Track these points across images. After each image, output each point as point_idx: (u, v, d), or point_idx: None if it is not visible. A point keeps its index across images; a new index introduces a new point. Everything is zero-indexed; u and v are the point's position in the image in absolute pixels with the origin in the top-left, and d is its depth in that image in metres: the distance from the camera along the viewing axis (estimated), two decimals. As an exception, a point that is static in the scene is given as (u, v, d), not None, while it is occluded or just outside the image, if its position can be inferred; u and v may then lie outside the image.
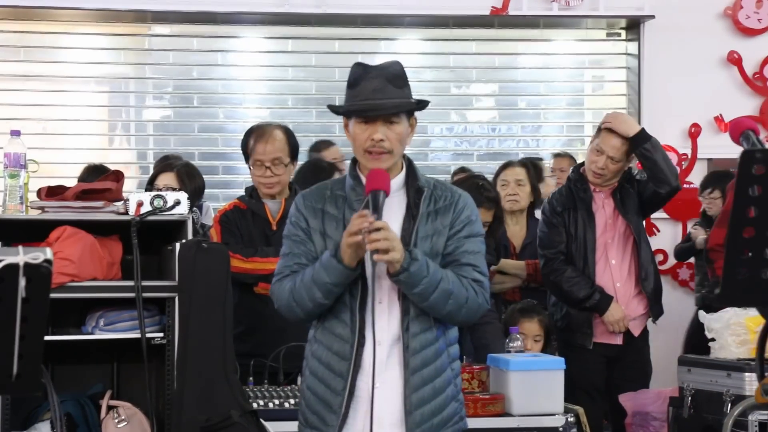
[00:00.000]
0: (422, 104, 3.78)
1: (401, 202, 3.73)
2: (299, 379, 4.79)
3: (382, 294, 3.66)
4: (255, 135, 5.35)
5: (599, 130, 6.01)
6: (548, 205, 6.03)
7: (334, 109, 3.79)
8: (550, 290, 6.07)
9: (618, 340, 5.94)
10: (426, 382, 3.67)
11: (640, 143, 5.85)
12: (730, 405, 5.05)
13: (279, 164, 5.26)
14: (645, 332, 6.06)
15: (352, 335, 3.63)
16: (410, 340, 3.66)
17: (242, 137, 5.45)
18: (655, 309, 6.00)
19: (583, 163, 6.11)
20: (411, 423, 3.64)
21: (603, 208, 5.97)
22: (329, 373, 3.67)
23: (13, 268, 2.86)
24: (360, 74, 3.72)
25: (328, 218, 3.72)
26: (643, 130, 5.91)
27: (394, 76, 3.71)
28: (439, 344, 3.72)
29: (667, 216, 8.53)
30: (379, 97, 3.65)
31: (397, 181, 3.74)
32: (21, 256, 2.88)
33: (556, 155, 8.37)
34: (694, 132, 8.82)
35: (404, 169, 3.77)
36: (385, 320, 3.65)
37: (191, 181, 5.61)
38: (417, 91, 9.60)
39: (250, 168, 5.36)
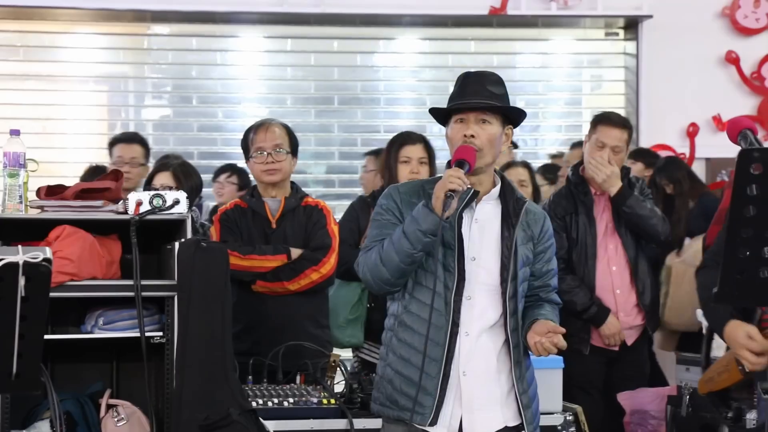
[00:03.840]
0: (516, 112, 4.02)
1: (497, 211, 3.98)
2: (298, 377, 4.82)
3: (471, 291, 3.90)
4: (255, 128, 5.40)
5: (593, 125, 5.98)
6: (549, 208, 5.94)
7: (435, 114, 4.06)
8: None
9: (615, 347, 5.92)
10: (533, 379, 4.02)
11: (621, 203, 5.82)
12: (728, 403, 5.05)
13: (281, 151, 5.28)
14: (644, 332, 6.03)
15: (446, 323, 3.86)
16: (519, 339, 3.93)
17: (242, 137, 5.46)
18: (651, 323, 5.98)
19: (580, 164, 6.06)
20: (528, 417, 3.93)
21: (603, 212, 5.94)
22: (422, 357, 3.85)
23: (12, 267, 2.87)
24: (461, 81, 3.99)
25: None
26: (623, 188, 5.83)
27: (491, 81, 3.97)
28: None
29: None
30: (474, 98, 3.92)
31: (494, 192, 3.99)
32: (20, 255, 2.89)
33: (554, 156, 8.36)
34: (692, 131, 8.83)
35: (499, 183, 4.01)
36: (474, 315, 3.90)
37: (187, 179, 5.62)
38: (416, 91, 9.66)
39: (250, 162, 5.37)
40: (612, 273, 5.88)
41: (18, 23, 8.57)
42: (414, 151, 5.61)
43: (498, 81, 3.98)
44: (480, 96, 3.91)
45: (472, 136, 3.89)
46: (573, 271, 5.84)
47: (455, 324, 3.86)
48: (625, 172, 5.99)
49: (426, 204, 3.78)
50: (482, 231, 3.93)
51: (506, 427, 3.92)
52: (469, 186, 3.81)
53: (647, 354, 6.21)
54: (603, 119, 6.00)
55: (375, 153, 7.43)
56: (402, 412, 3.89)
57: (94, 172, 6.45)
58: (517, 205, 3.97)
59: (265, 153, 5.28)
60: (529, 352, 3.96)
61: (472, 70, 4.05)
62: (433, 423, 3.84)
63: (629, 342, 5.92)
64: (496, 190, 3.99)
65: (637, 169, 7.37)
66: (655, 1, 8.77)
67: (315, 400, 4.56)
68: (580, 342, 5.84)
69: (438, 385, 3.84)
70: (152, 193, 4.35)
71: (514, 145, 7.87)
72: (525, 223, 3.98)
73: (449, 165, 3.95)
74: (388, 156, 5.69)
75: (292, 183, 5.44)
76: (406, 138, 5.70)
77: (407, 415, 3.87)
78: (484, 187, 3.97)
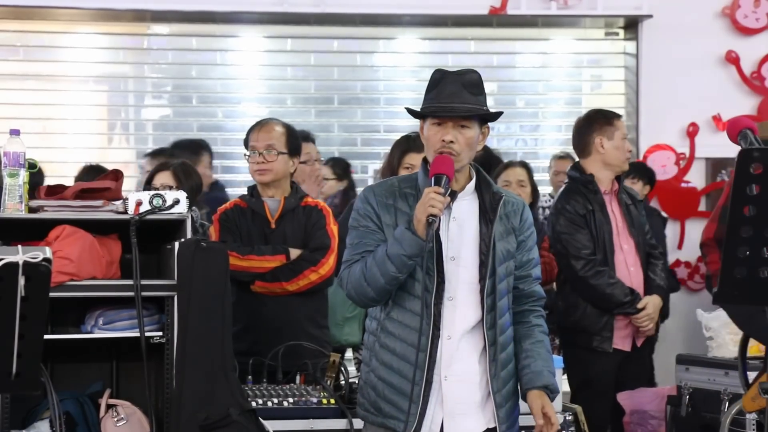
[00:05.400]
0: (495, 115, 3.96)
1: (474, 207, 3.94)
2: (297, 377, 4.82)
3: (453, 291, 3.87)
4: (254, 126, 5.41)
5: (608, 122, 6.01)
6: (567, 206, 5.93)
7: (411, 112, 3.97)
8: (584, 292, 5.91)
9: (628, 347, 5.92)
10: (512, 377, 3.97)
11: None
12: (727, 403, 5.06)
13: (272, 151, 5.28)
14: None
15: (427, 327, 3.83)
16: (497, 336, 3.91)
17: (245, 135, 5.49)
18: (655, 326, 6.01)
19: (578, 163, 6.09)
20: (501, 417, 3.90)
21: (614, 211, 5.98)
22: (405, 364, 3.84)
23: (12, 266, 2.87)
24: (438, 79, 3.90)
25: (400, 214, 3.89)
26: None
27: (470, 83, 3.88)
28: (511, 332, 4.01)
29: (665, 215, 8.54)
30: (454, 101, 3.84)
31: (470, 187, 3.95)
32: (20, 255, 2.89)
33: (558, 157, 8.35)
34: (692, 131, 8.83)
35: (475, 176, 3.97)
36: (456, 316, 3.88)
37: (188, 179, 5.61)
38: (415, 91, 9.67)
39: (248, 161, 5.38)
40: (630, 273, 5.91)
41: (18, 23, 8.56)
42: (418, 160, 5.53)
43: (475, 83, 3.89)
44: (458, 99, 3.84)
45: (451, 141, 3.84)
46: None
47: (437, 327, 3.84)
48: (624, 174, 6.06)
49: (408, 227, 3.74)
50: (461, 229, 3.91)
51: (487, 429, 3.91)
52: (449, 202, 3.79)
53: (651, 352, 6.24)
54: (614, 115, 6.13)
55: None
56: (386, 419, 3.88)
57: (89, 172, 6.44)
58: (494, 200, 3.93)
59: (257, 153, 5.29)
60: (510, 349, 3.96)
61: (449, 69, 3.96)
62: (417, 430, 3.83)
63: (638, 343, 5.94)
64: (472, 184, 3.95)
65: (637, 187, 7.44)
66: (655, 0, 8.77)
67: (315, 399, 4.56)
68: (603, 341, 5.85)
69: (422, 392, 3.82)
70: (152, 192, 4.35)
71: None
72: (503, 216, 3.94)
73: (425, 162, 3.94)
74: (391, 159, 5.68)
75: (293, 183, 5.44)
76: (411, 145, 5.62)
77: (391, 423, 3.86)
78: (460, 185, 3.94)
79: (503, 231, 3.92)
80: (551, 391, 3.91)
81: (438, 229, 3.82)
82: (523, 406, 4.01)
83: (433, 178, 3.77)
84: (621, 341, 5.91)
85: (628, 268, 5.91)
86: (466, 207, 3.93)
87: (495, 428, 3.90)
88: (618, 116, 6.13)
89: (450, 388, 3.86)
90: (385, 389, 3.88)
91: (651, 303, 5.86)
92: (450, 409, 3.86)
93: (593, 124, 6.08)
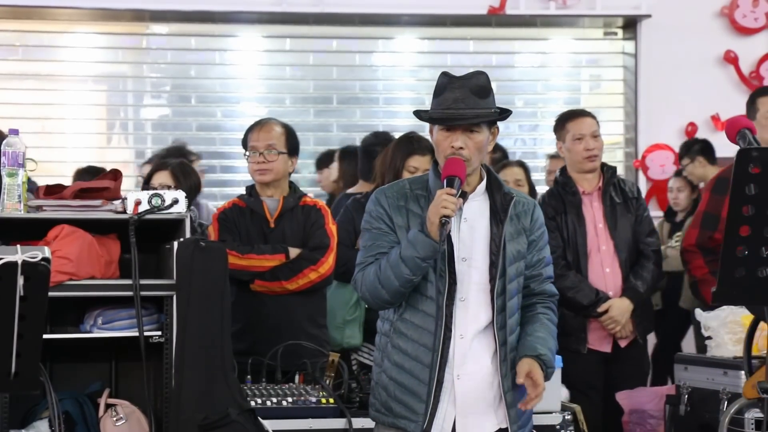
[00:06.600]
0: (504, 114, 3.93)
1: (485, 207, 3.94)
2: (296, 377, 4.83)
3: (465, 292, 3.87)
4: (252, 127, 5.40)
5: (561, 126, 5.97)
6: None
7: (419, 116, 3.96)
8: None
9: (607, 348, 5.89)
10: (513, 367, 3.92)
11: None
12: (726, 403, 5.05)
13: (272, 151, 5.28)
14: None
15: (438, 328, 3.83)
16: (507, 336, 3.90)
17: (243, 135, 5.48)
18: (640, 327, 5.94)
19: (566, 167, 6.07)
20: (513, 416, 3.89)
21: (593, 212, 5.93)
22: (416, 364, 3.85)
23: (11, 266, 2.87)
24: (444, 84, 3.88)
25: (412, 216, 3.89)
26: (634, 300, 5.86)
27: (477, 86, 3.86)
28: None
29: (661, 214, 8.55)
30: (460, 107, 3.82)
31: (481, 187, 3.94)
32: (19, 254, 2.89)
33: (552, 156, 8.36)
34: (691, 131, 8.84)
35: (486, 177, 3.96)
36: (468, 316, 3.88)
37: (186, 179, 5.61)
38: (414, 90, 9.67)
39: (248, 161, 5.38)
40: (605, 275, 5.86)
41: (17, 22, 8.57)
42: (422, 163, 5.41)
43: (482, 86, 3.87)
44: (464, 105, 3.81)
45: (461, 147, 3.83)
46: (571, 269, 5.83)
47: (448, 328, 3.84)
48: (611, 171, 6.00)
49: (422, 229, 3.74)
50: (472, 230, 3.90)
51: (500, 429, 3.90)
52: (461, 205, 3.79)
53: (645, 351, 6.20)
54: (567, 116, 6.03)
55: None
56: (397, 420, 3.88)
57: (83, 174, 6.44)
58: (505, 200, 3.92)
59: (258, 153, 5.29)
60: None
61: (453, 71, 3.91)
62: (427, 430, 3.83)
63: (622, 345, 5.90)
64: (483, 185, 3.95)
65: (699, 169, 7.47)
66: (654, 0, 8.78)
67: (314, 399, 4.56)
68: (578, 342, 5.83)
69: (431, 392, 3.82)
70: (151, 192, 4.35)
71: None
72: (514, 216, 3.93)
73: (435, 165, 3.93)
74: (394, 160, 5.55)
75: (291, 182, 5.44)
76: (415, 147, 5.50)
77: (402, 423, 3.86)
78: (471, 186, 3.93)
79: (514, 231, 3.92)
80: (545, 363, 3.85)
81: (449, 230, 3.83)
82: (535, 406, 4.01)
83: (445, 180, 3.77)
84: (598, 342, 5.87)
85: (603, 269, 5.86)
86: (477, 207, 3.93)
87: (507, 428, 3.90)
88: (573, 116, 5.99)
89: (462, 387, 3.86)
90: (396, 390, 3.88)
91: (614, 306, 5.79)
92: (462, 408, 3.86)
93: (555, 131, 6.08)
